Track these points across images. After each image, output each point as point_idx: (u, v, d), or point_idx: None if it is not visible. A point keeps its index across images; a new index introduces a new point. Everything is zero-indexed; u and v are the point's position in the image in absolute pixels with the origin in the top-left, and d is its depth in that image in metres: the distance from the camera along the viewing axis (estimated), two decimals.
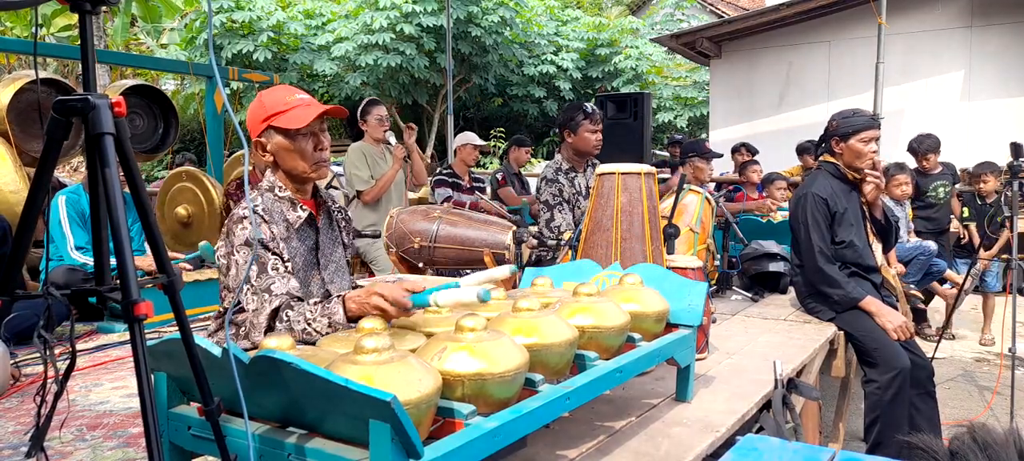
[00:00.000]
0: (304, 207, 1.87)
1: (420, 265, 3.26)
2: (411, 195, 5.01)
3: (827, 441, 3.16)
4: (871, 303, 2.90)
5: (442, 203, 4.64)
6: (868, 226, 3.17)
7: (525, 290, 1.95)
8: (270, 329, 1.66)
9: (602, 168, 2.53)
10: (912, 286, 4.91)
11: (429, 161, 12.91)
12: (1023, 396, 4.34)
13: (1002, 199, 4.15)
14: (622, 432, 1.64)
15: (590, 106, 3.51)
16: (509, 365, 1.21)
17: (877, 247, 3.18)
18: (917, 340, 3.05)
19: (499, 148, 12.50)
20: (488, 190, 5.71)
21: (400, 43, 11.50)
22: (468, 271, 3.30)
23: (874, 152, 3.03)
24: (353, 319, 1.58)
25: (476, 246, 3.16)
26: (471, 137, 5.39)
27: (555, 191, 3.44)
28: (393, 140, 4.48)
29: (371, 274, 4.16)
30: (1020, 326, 4.19)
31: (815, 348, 2.59)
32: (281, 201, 1.85)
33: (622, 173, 2.49)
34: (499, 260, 3.04)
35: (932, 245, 4.82)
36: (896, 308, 3.02)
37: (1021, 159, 4.07)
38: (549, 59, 13.16)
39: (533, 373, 1.32)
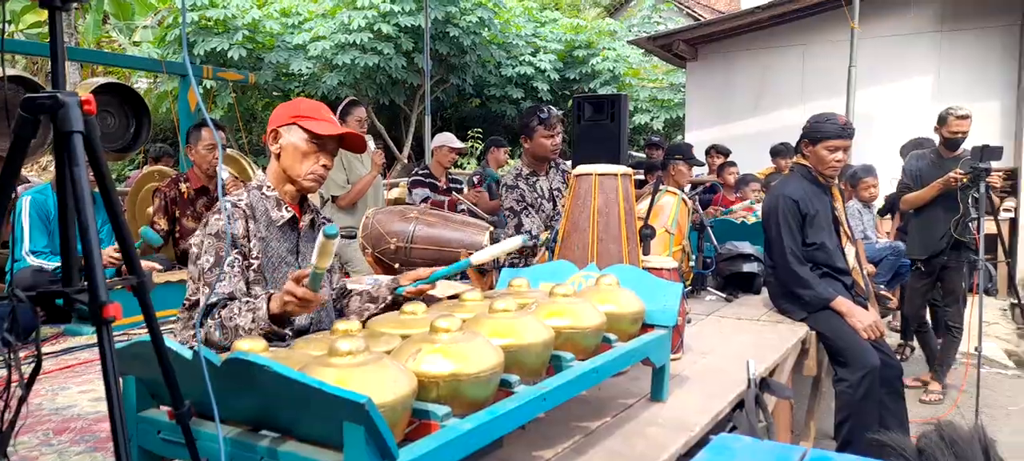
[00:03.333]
0: (289, 209, 1.90)
1: (396, 266, 3.24)
2: (388, 195, 4.98)
3: (798, 439, 3.20)
4: (842, 303, 2.95)
5: (420, 203, 4.62)
6: (841, 228, 3.22)
7: (502, 291, 1.95)
8: (200, 325, 1.69)
9: (579, 169, 2.55)
10: (882, 287, 4.99)
11: (405, 162, 12.87)
12: (988, 394, 4.44)
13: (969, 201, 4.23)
14: (597, 432, 1.65)
15: (546, 110, 3.48)
16: (484, 366, 1.21)
17: (849, 248, 3.23)
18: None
19: (477, 149, 12.49)
20: (465, 191, 5.71)
21: (378, 43, 11.44)
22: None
23: (839, 161, 3.08)
24: (275, 316, 1.62)
25: (453, 247, 3.15)
26: (449, 138, 5.37)
27: (517, 197, 3.45)
28: (372, 144, 4.45)
29: (347, 276, 4.14)
30: (986, 326, 4.27)
31: (787, 348, 2.63)
32: (267, 199, 1.89)
33: (599, 174, 2.50)
34: None
35: (901, 245, 4.91)
36: (866, 308, 3.07)
37: (986, 162, 4.16)
38: (527, 60, 13.18)
39: (509, 374, 1.32)
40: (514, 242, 2.00)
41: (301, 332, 1.84)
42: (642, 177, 5.99)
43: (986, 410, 4.19)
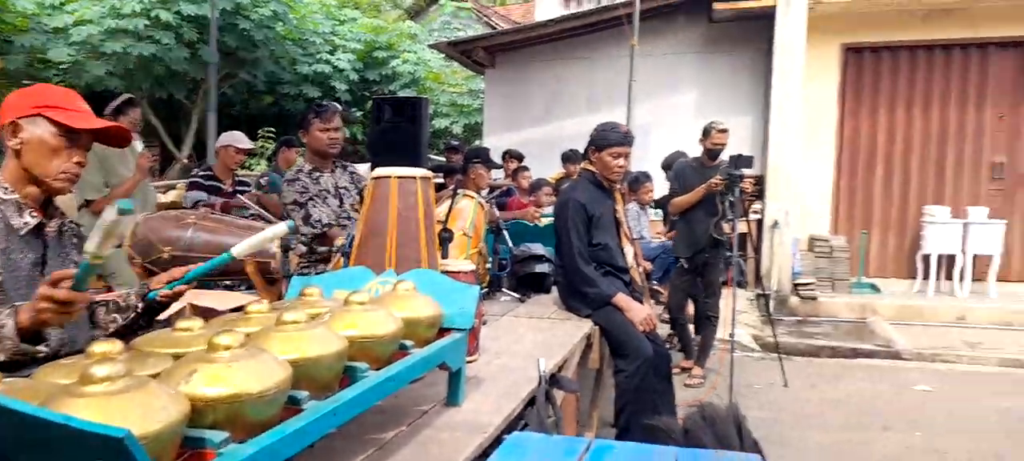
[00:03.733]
0: (34, 214, 1.64)
1: None
2: (161, 199, 4.53)
3: (583, 430, 3.42)
4: (622, 299, 3.20)
5: (193, 207, 4.23)
6: (621, 229, 3.49)
7: (292, 301, 1.86)
8: None
9: (378, 172, 2.51)
10: (655, 282, 5.49)
11: (185, 162, 11.82)
12: (740, 375, 5.05)
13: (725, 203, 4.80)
14: (392, 442, 1.63)
15: (324, 103, 3.44)
16: (269, 384, 1.14)
17: (628, 248, 3.51)
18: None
19: (268, 150, 11.81)
20: (253, 194, 5.37)
21: (155, 31, 10.37)
22: (227, 281, 3.07)
23: (621, 167, 3.36)
24: (26, 331, 1.42)
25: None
26: (235, 137, 5.00)
27: (299, 189, 3.32)
28: (140, 146, 4.01)
29: (110, 290, 3.70)
30: (738, 315, 4.87)
31: (574, 343, 2.79)
32: (4, 204, 1.62)
33: (398, 177, 2.48)
34: (264, 270, 2.86)
35: (671, 244, 5.46)
36: (642, 303, 3.37)
37: (740, 169, 4.76)
38: (325, 58, 12.73)
39: (298, 390, 1.25)
40: (278, 229, 1.89)
41: (54, 355, 1.61)
42: (442, 181, 6.05)
43: (739, 390, 4.79)
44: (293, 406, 1.24)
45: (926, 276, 7.86)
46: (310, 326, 1.40)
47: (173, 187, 6.62)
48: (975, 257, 7.71)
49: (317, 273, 3.06)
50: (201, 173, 5.01)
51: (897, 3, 7.71)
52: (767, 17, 7.89)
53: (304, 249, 3.00)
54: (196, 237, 2.92)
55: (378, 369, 1.53)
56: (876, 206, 8.43)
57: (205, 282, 2.83)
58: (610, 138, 3.32)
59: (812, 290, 7.76)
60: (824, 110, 8.30)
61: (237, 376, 1.12)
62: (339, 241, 2.89)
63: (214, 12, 8.23)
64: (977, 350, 6.16)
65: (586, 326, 3.10)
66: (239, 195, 4.87)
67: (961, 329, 6.97)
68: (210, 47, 8.24)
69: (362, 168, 3.78)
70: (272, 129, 12.26)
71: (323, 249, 2.94)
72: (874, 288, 8.05)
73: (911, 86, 8.21)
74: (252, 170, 10.62)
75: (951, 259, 7.79)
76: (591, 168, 3.42)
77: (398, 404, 1.87)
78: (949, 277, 7.84)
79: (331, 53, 12.95)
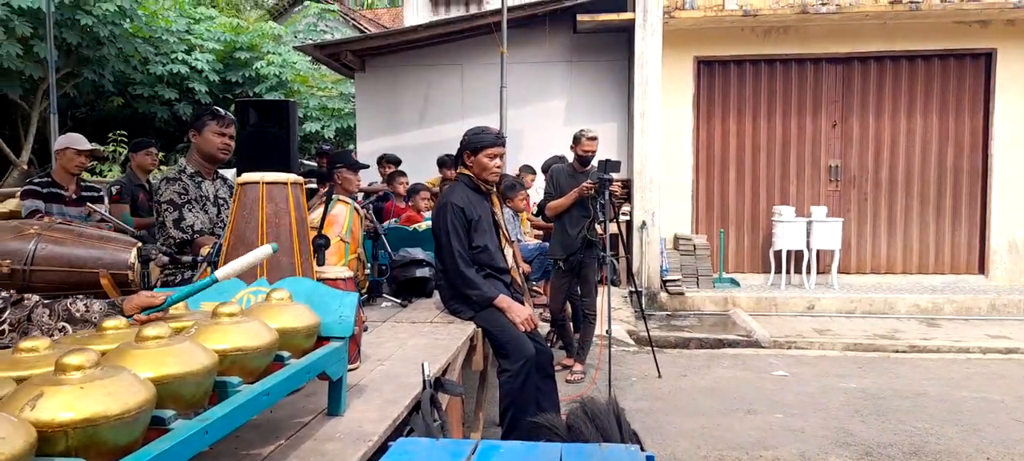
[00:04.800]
0: None
1: (9, 293, 2.65)
2: None
3: (469, 431, 3.42)
4: (503, 301, 3.23)
5: (29, 217, 3.84)
6: (500, 231, 3.52)
7: (154, 315, 1.72)
8: None
9: (245, 177, 2.37)
10: (535, 283, 5.59)
11: (25, 168, 10.71)
12: (617, 369, 5.24)
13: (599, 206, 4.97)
14: (271, 458, 1.54)
15: (223, 111, 3.31)
16: (130, 405, 1.04)
17: (508, 250, 3.55)
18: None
19: (120, 154, 10.92)
20: (105, 202, 4.93)
21: None
22: (81, 296, 2.79)
23: (498, 167, 3.39)
24: None
25: (89, 267, 2.69)
26: (74, 139, 4.56)
27: (180, 189, 3.11)
28: None
29: None
30: (613, 311, 5.03)
31: (458, 346, 2.78)
32: None
33: (267, 183, 2.35)
34: (120, 282, 2.63)
35: (547, 245, 5.57)
36: (523, 303, 3.41)
37: (609, 173, 4.94)
38: (181, 58, 11.93)
39: (163, 409, 1.15)
40: (263, 251, 1.76)
41: None
42: (314, 186, 5.85)
43: (617, 383, 4.97)
44: (158, 427, 1.14)
45: (778, 270, 8.53)
46: (174, 341, 1.30)
47: (12, 196, 5.96)
48: (819, 252, 8.46)
49: (180, 283, 2.85)
50: (37, 180, 4.54)
51: (741, 21, 8.33)
52: (627, 30, 8.26)
53: (166, 260, 2.78)
54: (40, 249, 2.63)
55: (252, 383, 1.44)
56: (731, 206, 9.04)
57: (56, 297, 2.56)
58: (484, 140, 3.34)
59: (679, 286, 8.20)
60: (682, 118, 8.80)
61: (90, 398, 1.01)
62: (205, 250, 2.71)
63: (50, 5, 7.50)
64: (825, 336, 6.76)
65: (469, 328, 3.10)
66: (86, 201, 4.47)
67: (811, 318, 7.62)
68: (48, 43, 7.50)
69: (228, 174, 3.58)
70: (124, 132, 11.33)
71: (187, 259, 2.74)
72: (734, 282, 8.63)
73: (757, 96, 8.89)
74: (104, 177, 9.78)
75: (799, 254, 8.50)
76: (467, 172, 3.42)
77: (276, 418, 1.77)
78: (798, 271, 8.54)
79: (188, 53, 12.17)
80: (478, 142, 3.34)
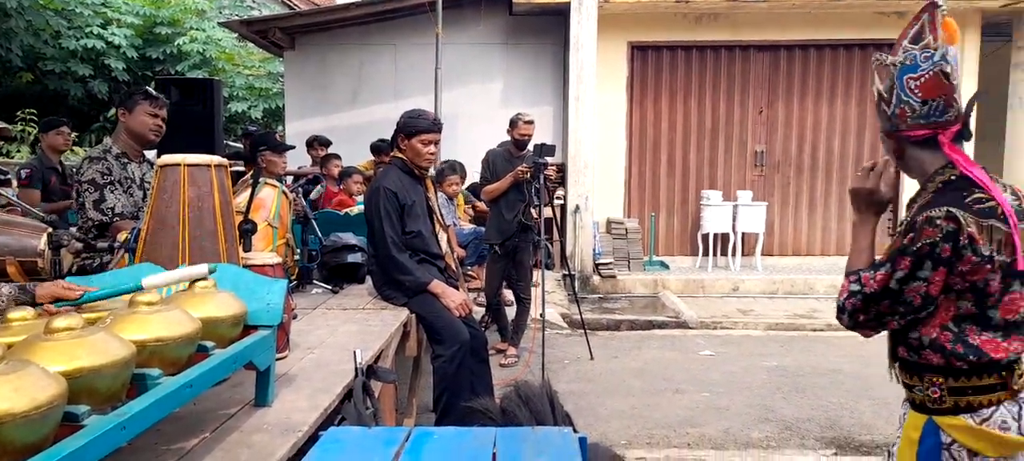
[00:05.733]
0: None
1: None
2: None
3: (403, 418, 3.40)
4: (437, 286, 3.21)
5: None
6: (434, 216, 3.49)
7: (66, 306, 1.63)
8: None
9: (165, 159, 2.27)
10: (469, 267, 5.58)
11: None
12: (551, 352, 5.30)
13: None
14: (195, 452, 1.49)
15: (156, 93, 3.20)
16: (38, 400, 0.98)
17: (442, 235, 3.52)
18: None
19: (30, 133, 10.28)
20: (13, 185, 4.65)
21: None
22: None
23: (432, 154, 3.36)
24: None
25: None
26: None
27: (103, 169, 2.96)
28: None
29: None
30: (547, 295, 5.08)
31: (391, 332, 2.76)
32: None
33: (189, 165, 2.26)
34: (29, 269, 2.48)
35: (483, 230, 5.57)
36: (458, 288, 3.40)
37: (544, 158, 4.97)
38: (96, 32, 11.29)
39: (75, 405, 1.10)
40: (198, 270, 1.68)
41: None
42: (241, 168, 5.66)
43: (550, 365, 5.03)
44: (71, 423, 1.08)
45: (706, 253, 8.78)
46: (87, 332, 1.24)
47: None
48: (744, 235, 8.75)
49: (98, 269, 2.72)
50: None
51: (674, 7, 8.48)
52: (563, 13, 8.29)
53: (79, 246, 2.64)
54: None
55: (173, 374, 1.39)
56: (662, 190, 9.23)
57: None
58: (419, 125, 3.30)
59: (611, 269, 8.34)
60: (616, 102, 8.92)
61: None
62: (123, 235, 2.58)
63: None
64: (749, 317, 7.01)
65: (403, 314, 3.07)
66: None
67: (736, 299, 7.88)
68: None
69: (149, 155, 3.43)
70: (34, 111, 10.67)
71: (103, 245, 2.60)
72: (664, 265, 8.84)
73: (688, 82, 9.08)
74: (12, 158, 9.20)
75: (725, 237, 8.77)
76: (401, 155, 3.38)
77: (201, 410, 1.72)
78: (724, 253, 8.82)
79: (104, 27, 11.54)
80: (413, 127, 3.30)
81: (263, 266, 2.29)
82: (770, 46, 8.94)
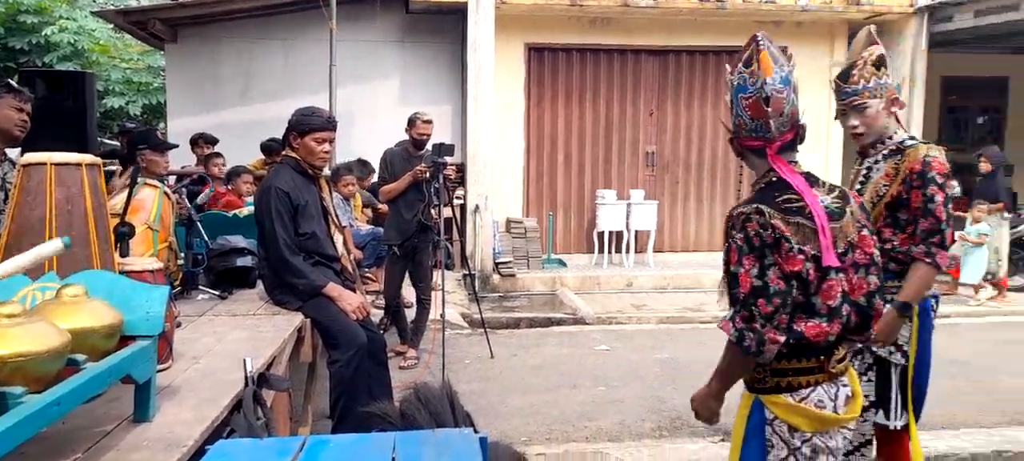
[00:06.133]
0: None
1: None
2: None
3: (298, 426, 3.28)
4: (333, 289, 3.13)
5: None
6: (329, 217, 3.40)
7: None
8: None
9: (29, 158, 2.09)
10: (368, 269, 5.48)
11: None
12: (451, 352, 5.30)
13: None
14: None
15: (20, 86, 2.94)
16: None
17: (338, 236, 3.43)
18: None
19: None
20: None
21: None
22: None
23: (326, 152, 3.27)
24: None
25: None
26: None
27: None
28: None
29: None
30: (448, 295, 5.06)
31: (284, 338, 2.66)
32: None
33: (56, 164, 2.09)
34: None
35: (381, 231, 5.47)
36: (354, 291, 3.32)
37: (443, 157, 4.94)
38: None
39: None
40: (52, 246, 1.52)
41: None
42: (115, 168, 5.29)
43: (451, 366, 5.01)
44: None
45: (601, 250, 9.03)
46: None
47: None
48: (637, 232, 9.06)
49: None
50: None
51: (568, 10, 8.66)
52: (461, 12, 8.29)
53: None
54: None
55: (39, 392, 1.28)
56: (560, 189, 9.41)
57: None
58: (313, 123, 3.20)
59: (511, 268, 8.42)
60: (514, 103, 9.01)
61: None
62: None
63: None
64: (642, 311, 7.26)
65: (296, 319, 2.97)
66: None
67: (630, 295, 8.15)
68: None
69: (12, 154, 3.15)
70: None
71: None
72: (561, 263, 9.01)
73: (583, 83, 9.30)
74: None
75: (619, 235, 9.05)
76: (294, 154, 3.26)
77: (72, 429, 1.59)
78: (619, 250, 9.10)
79: None
80: (306, 124, 3.19)
81: (142, 272, 2.15)
82: (660, 51, 9.30)
